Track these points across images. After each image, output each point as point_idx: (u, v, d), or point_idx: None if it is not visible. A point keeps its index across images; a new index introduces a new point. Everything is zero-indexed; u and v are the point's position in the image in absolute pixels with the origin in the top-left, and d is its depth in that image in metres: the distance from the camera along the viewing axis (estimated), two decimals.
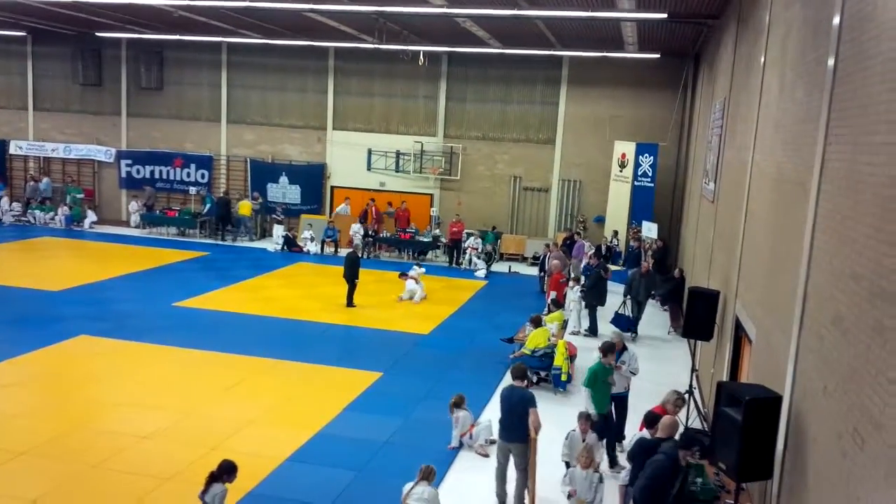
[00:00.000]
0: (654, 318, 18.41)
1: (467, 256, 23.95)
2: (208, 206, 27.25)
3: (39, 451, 9.80)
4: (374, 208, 25.59)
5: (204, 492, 7.28)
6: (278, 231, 25.89)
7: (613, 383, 10.44)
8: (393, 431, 11.04)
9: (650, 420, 8.54)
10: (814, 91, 6.32)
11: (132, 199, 28.37)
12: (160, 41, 26.74)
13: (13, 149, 29.91)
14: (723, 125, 13.66)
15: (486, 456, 10.35)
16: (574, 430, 9.08)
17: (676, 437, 7.88)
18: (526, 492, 8.78)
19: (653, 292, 18.16)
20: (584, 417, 9.12)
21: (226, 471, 7.37)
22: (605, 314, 17.08)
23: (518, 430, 8.70)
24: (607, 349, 10.44)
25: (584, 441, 8.80)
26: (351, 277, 18.30)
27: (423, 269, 20.47)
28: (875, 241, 4.36)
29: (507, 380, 13.22)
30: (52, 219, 27.61)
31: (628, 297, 16.90)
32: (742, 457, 5.84)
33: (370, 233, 24.91)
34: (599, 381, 10.14)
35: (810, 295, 5.82)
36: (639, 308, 16.97)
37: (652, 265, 19.64)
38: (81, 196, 28.60)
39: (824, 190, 5.66)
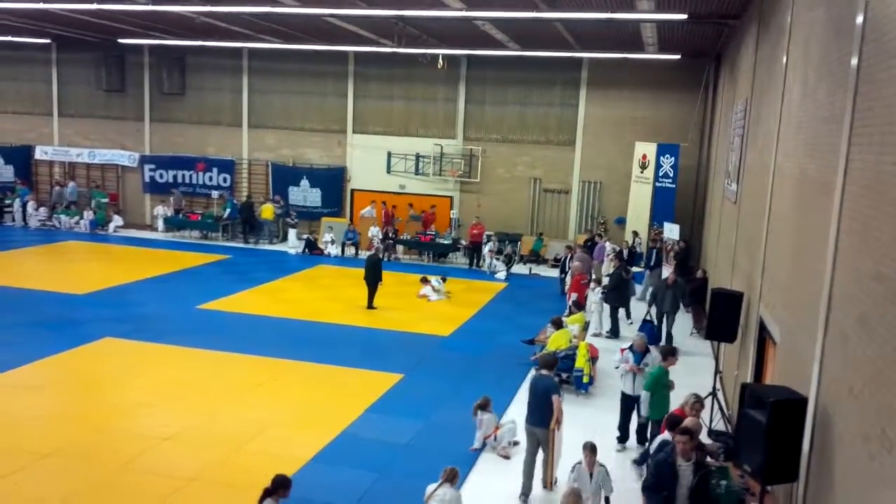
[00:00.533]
0: (677, 319, 18.25)
1: (486, 260, 23.91)
2: (229, 209, 27.48)
3: (64, 453, 9.94)
4: (385, 210, 25.65)
5: None
6: (293, 235, 26.02)
7: (673, 387, 10.36)
8: (415, 433, 11.07)
9: (672, 423, 8.51)
10: (837, 91, 6.28)
11: (159, 203, 28.62)
12: (182, 47, 27.02)
13: (39, 154, 30.35)
14: (745, 126, 13.56)
15: (508, 458, 10.36)
16: (580, 463, 8.36)
17: (700, 438, 7.84)
18: (545, 465, 9.50)
19: (682, 304, 16.75)
20: (588, 449, 8.36)
21: (280, 485, 7.31)
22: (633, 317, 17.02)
23: (543, 416, 9.33)
24: (668, 353, 10.39)
25: (590, 475, 8.21)
26: (373, 280, 18.39)
27: (441, 284, 20.28)
28: None
29: (529, 380, 13.26)
30: (78, 223, 27.97)
31: (653, 306, 16.18)
32: (767, 459, 5.80)
33: (390, 235, 24.98)
34: (661, 385, 10.06)
35: (835, 296, 5.77)
36: (666, 320, 15.88)
37: (675, 267, 19.54)
38: (106, 200, 28.95)
39: (848, 191, 5.61)
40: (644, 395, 10.22)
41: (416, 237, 25.29)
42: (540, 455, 9.52)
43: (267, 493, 7.30)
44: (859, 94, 5.52)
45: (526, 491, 9.32)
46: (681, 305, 16.39)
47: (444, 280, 20.26)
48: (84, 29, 24.80)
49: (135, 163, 29.41)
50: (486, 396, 10.88)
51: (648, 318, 16.32)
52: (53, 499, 8.76)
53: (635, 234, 23.26)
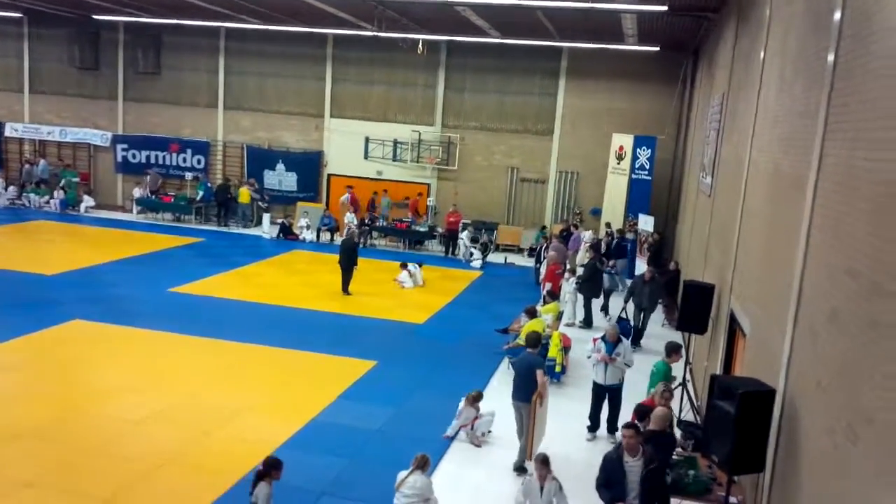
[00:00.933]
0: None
1: (462, 248, 23.93)
2: (202, 192, 27.19)
3: (34, 436, 9.80)
4: (352, 195, 25.41)
5: (250, 492, 7.24)
6: (267, 219, 25.80)
7: (675, 383, 10.41)
8: (387, 420, 11.07)
9: (641, 413, 8.60)
10: (813, 86, 6.32)
11: (135, 185, 28.18)
12: (158, 25, 26.57)
13: (8, 131, 29.73)
14: (721, 120, 13.66)
15: (479, 447, 10.40)
16: (531, 476, 8.07)
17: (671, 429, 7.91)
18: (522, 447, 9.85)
19: (659, 301, 16.94)
20: (540, 461, 7.97)
21: (272, 467, 7.27)
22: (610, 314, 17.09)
23: (526, 391, 9.75)
24: (672, 349, 10.39)
25: (541, 488, 7.79)
26: (348, 264, 18.32)
27: (418, 270, 20.23)
28: (872, 237, 4.37)
29: (502, 369, 13.34)
30: (48, 202, 27.49)
31: (629, 303, 15.94)
32: (735, 450, 5.87)
33: (366, 221, 24.88)
34: (665, 381, 10.09)
35: (805, 290, 5.84)
36: (643, 316, 15.69)
37: (648, 259, 19.69)
38: (77, 180, 28.47)
39: (821, 186, 5.67)
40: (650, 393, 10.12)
41: (392, 224, 25.21)
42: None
43: (259, 475, 7.27)
44: (835, 89, 5.56)
45: (519, 464, 9.81)
46: (658, 302, 16.28)
47: (419, 266, 20.23)
48: (57, 3, 24.29)
49: (107, 142, 28.94)
50: (479, 391, 10.85)
51: (624, 315, 15.96)
52: (22, 481, 8.64)
53: (608, 225, 23.39)
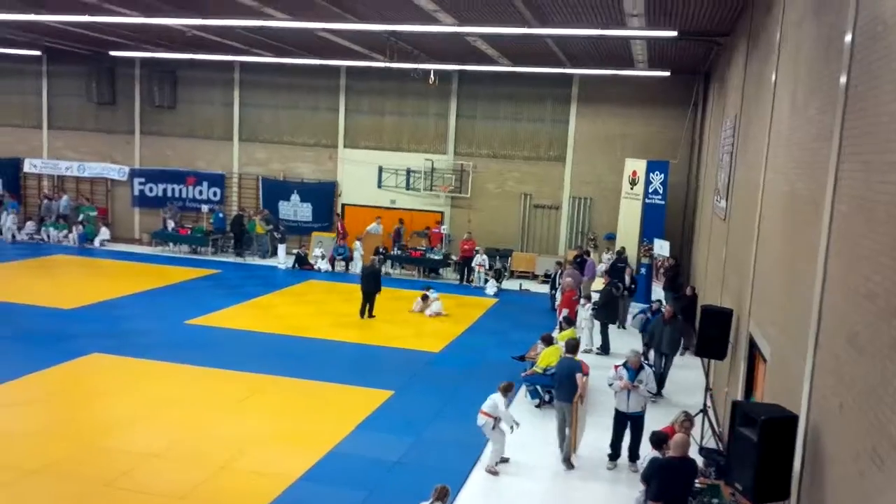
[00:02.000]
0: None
1: (476, 274, 23.95)
2: (213, 222, 27.48)
3: (51, 470, 9.81)
4: (342, 224, 26.32)
5: None
6: (282, 250, 25.94)
7: None
8: (405, 450, 11.00)
9: (656, 440, 8.50)
10: (826, 109, 6.32)
11: (163, 219, 28.44)
12: (173, 60, 27.00)
13: (27, 167, 30.19)
14: (734, 143, 13.64)
15: (497, 474, 10.31)
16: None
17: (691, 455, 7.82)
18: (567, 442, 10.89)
19: (683, 346, 15.04)
20: None
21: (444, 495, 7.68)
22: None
23: (568, 392, 10.83)
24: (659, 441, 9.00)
25: None
26: (372, 289, 18.76)
27: (434, 292, 20.32)
28: (890, 259, 4.33)
29: (521, 397, 13.26)
30: (66, 237, 27.79)
31: (650, 349, 14.40)
32: (758, 477, 5.78)
33: (381, 250, 24.94)
34: None
35: (825, 314, 5.78)
36: (664, 362, 14.11)
37: (665, 283, 19.58)
38: (94, 214, 28.81)
39: (837, 209, 5.64)
40: None
41: (406, 253, 25.26)
42: None
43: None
44: (848, 111, 5.55)
45: (566, 457, 10.81)
46: (681, 344, 14.67)
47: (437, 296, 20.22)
48: (75, 41, 24.76)
49: (124, 176, 29.29)
50: (510, 382, 11.06)
51: (647, 362, 13.26)
52: None
53: (623, 249, 23.35)
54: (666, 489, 7.61)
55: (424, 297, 19.85)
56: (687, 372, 15.15)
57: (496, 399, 10.43)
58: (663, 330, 14.08)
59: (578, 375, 10.87)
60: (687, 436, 8.33)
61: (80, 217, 28.34)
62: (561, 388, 11.04)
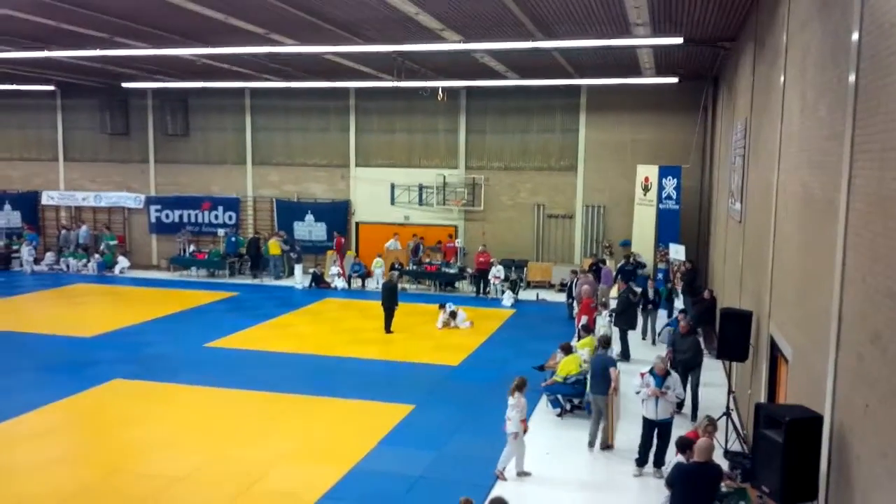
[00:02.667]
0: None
1: (492, 286, 23.96)
2: (226, 245, 27.79)
3: (78, 498, 9.89)
4: (338, 239, 26.67)
5: None
6: (298, 270, 26.06)
7: None
8: (428, 464, 11.00)
9: (681, 445, 8.46)
10: (836, 108, 6.32)
11: (181, 244, 28.70)
12: (184, 89, 27.34)
13: (45, 199, 30.62)
14: (745, 145, 13.63)
15: (505, 479, 10.43)
16: None
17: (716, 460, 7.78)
18: (605, 430, 11.68)
19: (706, 351, 14.17)
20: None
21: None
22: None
23: (603, 386, 11.60)
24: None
25: None
26: (390, 305, 18.94)
27: (451, 306, 20.38)
28: None
29: (542, 406, 13.24)
30: (85, 266, 28.09)
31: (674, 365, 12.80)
32: (785, 479, 5.76)
33: (396, 266, 25.01)
34: None
35: (845, 314, 5.76)
36: (690, 378, 13.14)
37: (683, 287, 19.48)
38: (114, 242, 29.15)
39: (853, 208, 5.63)
40: None
41: (422, 267, 25.31)
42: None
43: None
44: (859, 110, 5.55)
45: (591, 442, 11.65)
46: (704, 355, 13.74)
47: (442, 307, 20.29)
48: (87, 75, 25.13)
49: (140, 204, 29.63)
50: (523, 377, 11.10)
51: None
52: None
53: (633, 254, 23.35)
54: (688, 495, 7.57)
55: (453, 314, 19.88)
56: (709, 373, 15.05)
57: (510, 402, 10.55)
58: (682, 342, 13.53)
59: (612, 369, 11.57)
60: (710, 440, 8.29)
61: (102, 246, 28.66)
62: (595, 382, 11.75)
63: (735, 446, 10.84)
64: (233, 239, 27.95)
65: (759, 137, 12.05)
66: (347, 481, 10.43)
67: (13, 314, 21.14)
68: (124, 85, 26.79)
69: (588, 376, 12.90)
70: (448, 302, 20.51)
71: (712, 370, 15.10)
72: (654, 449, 10.79)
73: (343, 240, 27.04)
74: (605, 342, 12.55)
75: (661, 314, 18.98)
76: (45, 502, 9.69)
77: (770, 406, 7.35)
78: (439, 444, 11.79)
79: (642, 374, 10.80)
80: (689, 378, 13.07)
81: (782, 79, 9.65)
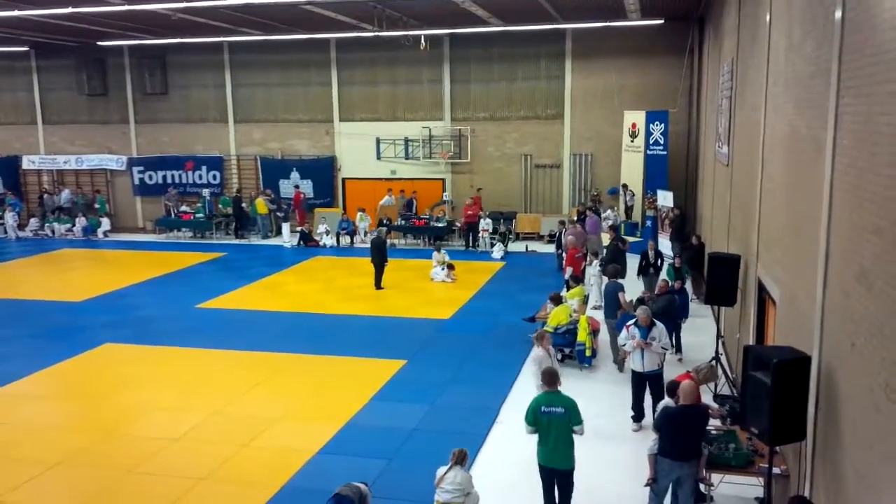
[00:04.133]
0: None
1: (481, 238, 23.92)
2: (201, 206, 27.69)
3: (74, 461, 9.93)
4: (297, 194, 26.57)
5: None
6: (286, 228, 25.92)
7: None
8: (421, 417, 11.07)
9: (669, 389, 8.52)
10: (823, 44, 6.21)
11: (168, 205, 28.36)
12: (162, 46, 26.77)
13: (26, 164, 30.18)
14: (732, 87, 13.48)
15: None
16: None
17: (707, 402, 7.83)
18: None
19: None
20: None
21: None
22: None
23: (613, 310, 12.96)
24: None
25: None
26: (380, 261, 18.86)
27: (445, 254, 20.48)
28: (894, 192, 4.27)
29: (534, 357, 13.26)
30: (70, 230, 27.84)
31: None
32: (774, 420, 5.80)
33: (385, 221, 24.89)
34: None
35: (832, 252, 5.74)
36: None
37: (671, 234, 19.48)
38: (106, 206, 28.96)
39: (840, 144, 5.56)
40: None
41: (410, 222, 25.20)
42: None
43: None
44: (845, 45, 5.45)
45: (615, 360, 12.87)
46: (689, 309, 14.13)
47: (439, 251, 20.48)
48: (61, 34, 24.53)
49: (123, 166, 29.25)
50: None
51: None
52: None
53: (625, 187, 23.31)
54: (676, 438, 7.65)
55: (451, 266, 19.97)
56: (696, 318, 15.16)
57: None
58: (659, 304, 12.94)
59: (621, 294, 12.91)
60: (694, 382, 8.29)
61: (97, 209, 28.49)
62: (608, 307, 13.22)
63: (724, 390, 10.94)
64: (208, 199, 27.87)
65: (746, 78, 11.90)
66: (343, 436, 10.51)
67: (1, 281, 20.99)
68: (100, 43, 26.23)
69: (578, 325, 13.01)
70: (442, 248, 20.60)
71: (700, 316, 15.21)
72: (650, 404, 10.54)
73: (302, 195, 27.11)
74: (615, 272, 13.69)
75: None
76: (43, 465, 9.72)
77: (758, 348, 7.37)
78: (432, 396, 11.86)
79: (628, 327, 10.70)
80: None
81: (768, 17, 9.48)
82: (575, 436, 7.92)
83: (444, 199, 26.09)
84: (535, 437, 8.01)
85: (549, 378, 8.13)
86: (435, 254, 20.38)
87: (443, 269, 19.90)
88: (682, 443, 7.64)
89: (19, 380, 12.90)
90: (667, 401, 8.44)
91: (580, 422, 7.85)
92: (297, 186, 27.33)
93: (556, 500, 8.01)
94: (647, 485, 7.90)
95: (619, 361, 12.64)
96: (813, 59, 6.68)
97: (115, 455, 10.08)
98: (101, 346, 14.71)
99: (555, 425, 7.80)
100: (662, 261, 16.98)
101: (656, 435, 7.87)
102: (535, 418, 7.87)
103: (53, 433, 10.81)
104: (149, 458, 9.93)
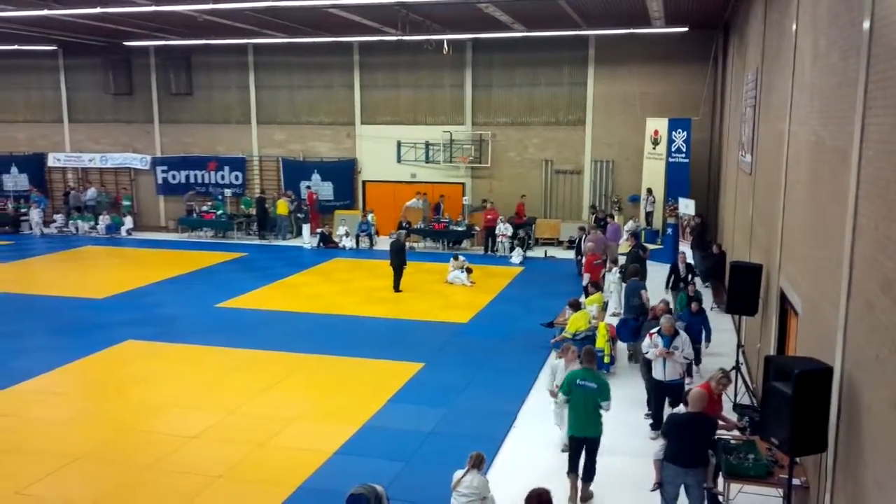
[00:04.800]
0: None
1: (500, 243, 23.87)
2: (214, 206, 27.99)
3: (93, 456, 10.04)
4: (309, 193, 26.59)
5: None
6: (306, 230, 26.05)
7: None
8: (439, 420, 11.09)
9: (686, 399, 8.47)
10: (850, 55, 6.16)
11: (188, 205, 28.72)
12: (187, 47, 27.04)
13: (51, 161, 30.57)
14: (756, 96, 13.39)
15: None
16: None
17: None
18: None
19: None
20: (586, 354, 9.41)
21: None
22: None
23: (633, 308, 13.57)
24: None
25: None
26: (398, 264, 18.90)
27: (463, 259, 20.53)
28: None
29: (552, 363, 13.22)
30: (94, 228, 28.16)
31: None
32: (794, 431, 5.75)
33: (404, 224, 24.95)
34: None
35: (857, 263, 5.69)
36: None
37: (692, 242, 19.35)
38: (131, 204, 29.32)
39: (866, 156, 5.52)
40: None
41: (429, 225, 25.24)
42: None
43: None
44: (873, 56, 5.41)
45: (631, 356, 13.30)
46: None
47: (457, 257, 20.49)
48: (89, 33, 24.85)
49: (147, 165, 29.55)
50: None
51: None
52: (84, 501, 8.86)
53: (650, 191, 23.17)
54: (682, 444, 7.62)
55: (468, 271, 20.07)
56: (718, 333, 15.04)
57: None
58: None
59: (642, 292, 13.51)
60: (702, 390, 8.20)
61: (122, 209, 28.90)
62: (629, 305, 13.79)
63: (744, 400, 10.86)
64: (220, 198, 28.27)
65: (771, 87, 11.83)
66: (360, 437, 10.55)
67: (25, 277, 21.29)
68: (126, 43, 26.52)
69: (596, 332, 12.97)
70: (460, 255, 20.61)
71: (720, 324, 15.11)
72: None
73: (315, 195, 27.34)
74: (635, 272, 14.31)
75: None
76: (62, 459, 9.85)
77: (780, 358, 7.31)
78: (449, 400, 11.87)
79: (651, 335, 10.63)
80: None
81: (794, 26, 9.42)
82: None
83: (485, 202, 25.65)
84: (553, 443, 8.08)
85: (589, 357, 9.20)
86: (452, 261, 20.35)
87: (462, 271, 19.92)
88: (688, 449, 7.63)
89: (41, 375, 13.07)
90: (680, 408, 8.41)
91: (608, 399, 8.80)
92: (309, 187, 27.52)
93: (580, 467, 8.85)
94: (653, 489, 7.95)
95: (633, 354, 13.06)
96: (839, 69, 6.64)
97: (134, 451, 10.19)
98: (122, 343, 14.87)
99: (587, 398, 8.76)
100: (694, 275, 15.96)
101: (664, 441, 7.84)
102: (571, 389, 8.90)
103: (73, 428, 10.94)
104: (167, 456, 10.02)
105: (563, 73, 25.36)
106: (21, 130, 30.80)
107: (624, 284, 16.88)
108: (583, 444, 8.81)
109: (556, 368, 10.08)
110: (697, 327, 12.69)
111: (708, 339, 13.04)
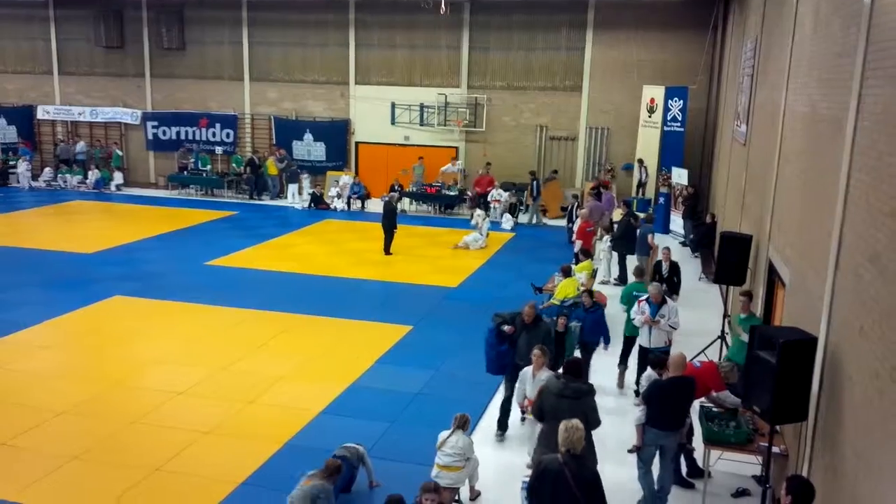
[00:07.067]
0: (685, 264, 18.15)
1: (492, 209, 23.78)
2: (194, 162, 27.87)
3: (78, 410, 10.06)
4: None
5: None
6: (291, 189, 25.90)
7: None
8: (425, 383, 11.15)
9: (654, 363, 8.51)
10: (850, 24, 6.09)
11: (179, 162, 28.40)
12: (180, 0, 26.52)
13: (41, 114, 30.16)
14: (754, 65, 13.29)
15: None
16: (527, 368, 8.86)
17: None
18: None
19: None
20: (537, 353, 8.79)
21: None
22: None
23: (645, 248, 15.51)
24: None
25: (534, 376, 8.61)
26: (389, 226, 18.81)
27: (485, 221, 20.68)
28: None
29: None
30: (83, 182, 27.91)
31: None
32: (776, 400, 5.80)
33: (396, 187, 24.82)
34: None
35: (846, 234, 5.69)
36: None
37: (684, 212, 19.34)
38: (122, 156, 29.04)
39: (861, 126, 5.49)
40: None
41: (421, 189, 25.12)
42: None
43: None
44: (873, 26, 5.34)
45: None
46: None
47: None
48: None
49: (137, 120, 29.20)
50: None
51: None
52: (68, 454, 8.89)
53: (640, 162, 23.10)
54: (664, 409, 7.70)
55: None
56: (703, 296, 15.14)
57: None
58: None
59: (649, 236, 15.50)
60: (682, 354, 8.20)
61: (112, 164, 28.53)
62: (640, 249, 15.46)
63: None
64: (195, 153, 28.11)
65: (769, 56, 11.72)
66: (347, 396, 10.60)
67: (13, 230, 21.12)
68: None
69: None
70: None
71: (707, 293, 15.19)
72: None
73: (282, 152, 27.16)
74: (649, 218, 16.21)
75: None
76: (48, 413, 9.87)
77: (765, 328, 7.35)
78: (437, 363, 11.92)
79: (639, 302, 10.68)
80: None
81: None
82: None
83: (458, 165, 25.67)
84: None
85: (640, 272, 12.11)
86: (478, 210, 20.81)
87: (481, 233, 19.97)
88: (669, 413, 7.72)
89: (29, 328, 13.04)
90: (649, 372, 8.47)
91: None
92: (273, 144, 27.60)
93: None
94: (630, 451, 8.18)
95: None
96: (839, 39, 6.57)
97: (121, 405, 10.21)
98: (110, 299, 14.83)
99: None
100: (678, 279, 13.83)
101: (644, 405, 7.88)
102: (629, 300, 11.13)
103: (60, 382, 10.94)
104: (153, 410, 10.05)
105: (561, 37, 25.05)
106: (10, 81, 30.30)
107: (614, 256, 17.01)
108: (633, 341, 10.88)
109: (524, 378, 8.83)
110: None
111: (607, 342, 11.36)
